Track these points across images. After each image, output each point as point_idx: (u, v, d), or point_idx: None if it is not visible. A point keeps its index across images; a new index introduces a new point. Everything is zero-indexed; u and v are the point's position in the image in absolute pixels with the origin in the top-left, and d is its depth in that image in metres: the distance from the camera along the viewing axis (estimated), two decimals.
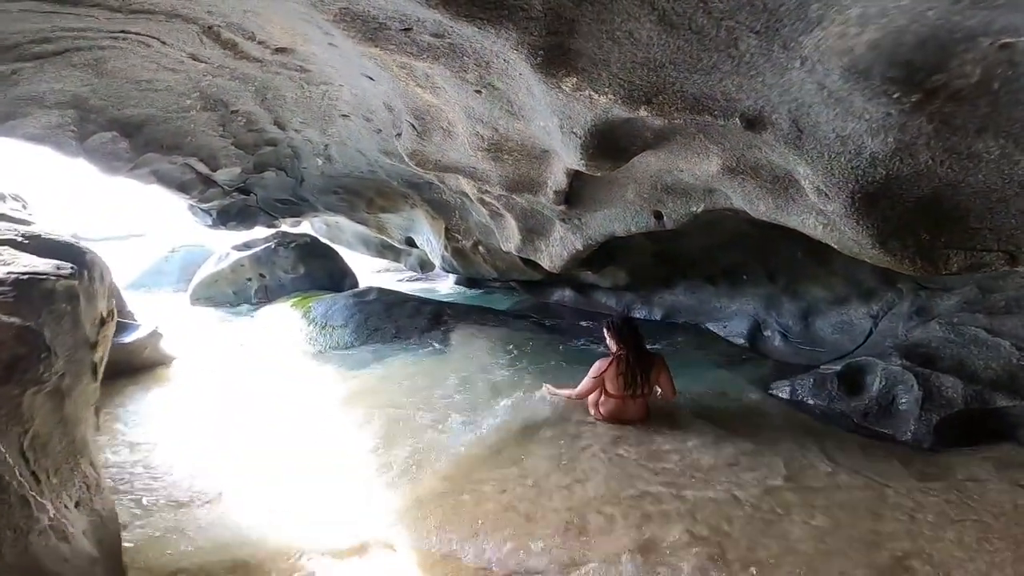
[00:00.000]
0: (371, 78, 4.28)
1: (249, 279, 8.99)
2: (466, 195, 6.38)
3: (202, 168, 6.60)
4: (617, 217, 4.79)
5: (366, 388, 5.21)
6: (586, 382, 4.29)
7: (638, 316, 7.68)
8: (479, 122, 3.81)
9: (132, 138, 5.28)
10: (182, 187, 6.97)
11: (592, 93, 2.71)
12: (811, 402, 4.79)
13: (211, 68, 4.70)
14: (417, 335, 6.71)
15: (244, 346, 6.88)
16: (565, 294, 8.79)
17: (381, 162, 7.05)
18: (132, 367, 5.58)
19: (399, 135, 4.67)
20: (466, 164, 4.63)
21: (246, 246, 9.43)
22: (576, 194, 4.70)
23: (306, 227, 11.40)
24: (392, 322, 6.97)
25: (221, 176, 7.08)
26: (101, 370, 2.82)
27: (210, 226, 8.47)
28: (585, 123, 3.08)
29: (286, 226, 10.75)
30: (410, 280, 12.28)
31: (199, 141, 6.14)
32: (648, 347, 4.51)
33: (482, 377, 5.32)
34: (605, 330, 4.53)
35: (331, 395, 5.07)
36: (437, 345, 6.45)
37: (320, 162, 7.63)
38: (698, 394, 5.09)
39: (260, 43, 4.15)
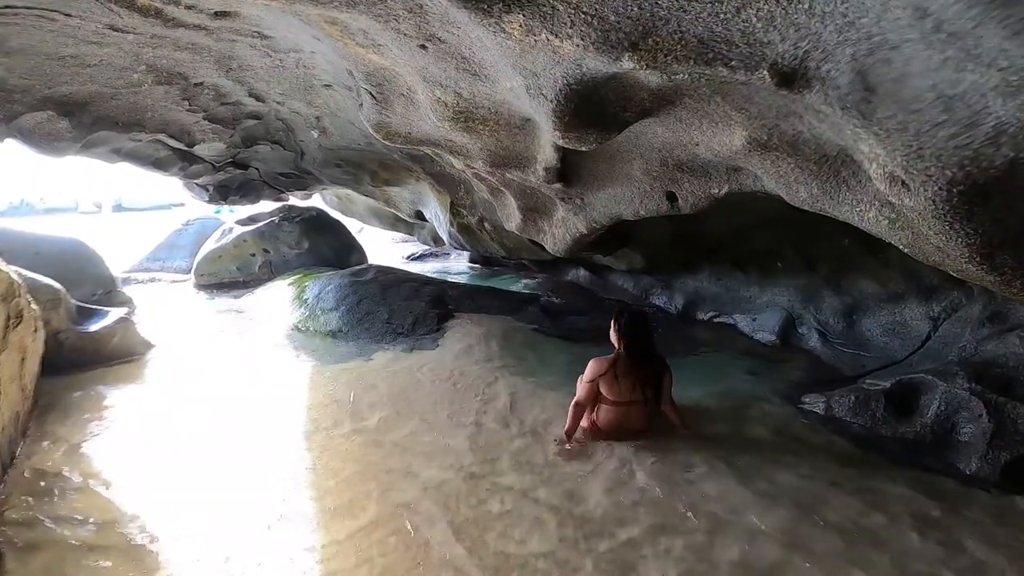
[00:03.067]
0: (318, 39, 3.45)
1: (253, 255, 8.41)
2: (463, 170, 5.54)
3: (175, 144, 5.93)
4: (623, 198, 3.88)
5: (328, 399, 4.47)
6: (581, 389, 3.41)
7: (656, 303, 6.76)
8: (437, 85, 2.94)
9: (74, 116, 4.63)
10: (158, 164, 6.34)
11: (550, 37, 1.82)
12: (849, 421, 3.87)
13: (145, 39, 3.99)
14: (410, 322, 5.97)
15: (227, 332, 6.30)
16: (580, 274, 7.90)
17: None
18: (100, 357, 5.04)
19: (361, 105, 3.84)
20: (439, 136, 3.78)
21: (251, 220, 8.84)
22: (573, 171, 3.80)
23: (317, 200, 10.74)
24: (386, 306, 6.25)
25: (204, 151, 6.42)
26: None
27: (208, 201, 7.88)
28: (555, 82, 2.20)
29: (296, 199, 10.12)
30: (422, 257, 11.56)
31: (163, 116, 5.46)
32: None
33: (465, 394, 4.50)
34: (612, 322, 3.56)
35: (290, 408, 4.35)
36: (428, 337, 5.70)
37: (316, 135, 6.89)
38: (714, 404, 4.22)
39: (190, 8, 3.38)
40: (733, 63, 1.72)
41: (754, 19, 1.56)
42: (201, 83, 5.24)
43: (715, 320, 6.15)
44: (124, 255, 10.87)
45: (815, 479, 3.16)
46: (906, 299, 4.68)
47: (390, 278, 6.91)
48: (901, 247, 2.37)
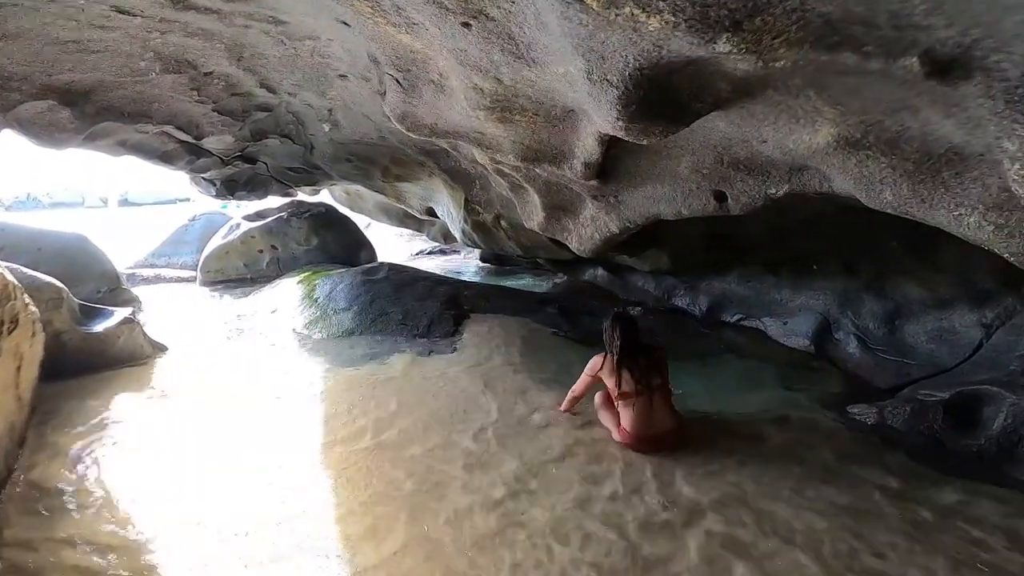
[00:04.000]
0: (346, 23, 3.14)
1: (260, 251, 8.10)
2: (483, 165, 5.23)
3: (183, 136, 5.61)
4: (664, 197, 3.57)
5: (346, 408, 4.16)
6: (582, 381, 3.64)
7: (679, 305, 6.46)
8: (476, 70, 2.63)
9: (76, 106, 4.30)
10: (165, 157, 6.02)
11: (636, 11, 1.51)
12: (903, 433, 3.58)
13: (153, 23, 3.69)
14: (425, 324, 5.67)
15: (236, 333, 6.00)
16: (598, 273, 7.59)
17: (390, 127, 5.95)
18: (106, 359, 4.73)
19: (383, 94, 3.53)
20: (469, 128, 3.47)
21: (259, 216, 8.53)
22: (612, 166, 3.50)
23: (325, 196, 10.43)
24: (400, 306, 5.95)
25: (212, 145, 6.10)
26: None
27: (214, 196, 7.57)
28: (625, 65, 1.89)
29: (303, 195, 9.82)
30: (431, 254, 11.25)
31: (171, 107, 5.14)
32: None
33: (489, 399, 4.21)
34: (604, 329, 3.58)
35: (306, 418, 4.04)
36: (445, 341, 5.40)
37: (327, 128, 6.58)
38: (751, 415, 3.94)
39: None
40: (867, 48, 1.42)
41: (917, 1, 1.26)
42: (211, 72, 4.93)
43: (741, 323, 5.85)
44: (129, 251, 10.59)
45: (893, 497, 2.88)
46: (956, 305, 4.38)
47: (403, 277, 6.61)
48: (1007, 256, 2.08)
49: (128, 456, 3.48)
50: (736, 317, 5.89)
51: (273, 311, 6.50)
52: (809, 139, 2.19)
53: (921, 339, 4.57)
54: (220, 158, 6.55)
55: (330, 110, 6.11)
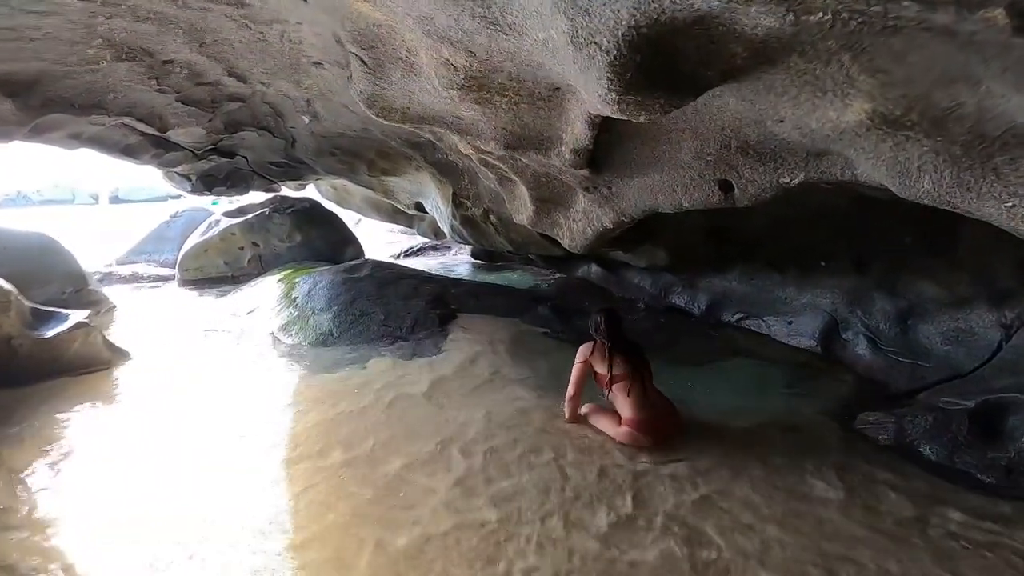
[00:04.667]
0: None
1: (241, 248, 7.71)
2: (469, 156, 4.86)
3: (145, 129, 5.21)
4: (663, 187, 3.20)
5: (317, 419, 3.79)
6: (574, 373, 3.49)
7: (677, 303, 6.10)
8: (445, 43, 2.26)
9: (18, 97, 3.91)
10: (128, 151, 5.61)
11: None
12: (921, 446, 3.24)
13: (96, 6, 3.33)
14: (408, 324, 5.31)
15: (208, 336, 5.62)
16: (591, 270, 7.21)
17: (372, 118, 5.58)
18: (61, 366, 4.35)
19: (350, 77, 3.15)
20: (445, 112, 3.09)
21: (240, 212, 8.13)
22: (605, 154, 3.13)
23: (312, 191, 10.02)
24: (382, 306, 5.58)
25: (180, 138, 5.70)
26: None
27: (190, 192, 7.16)
28: (617, 24, 1.53)
29: (289, 190, 9.41)
30: (422, 251, 10.86)
31: (128, 98, 4.73)
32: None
33: (474, 407, 3.85)
34: (591, 324, 3.60)
35: (273, 430, 3.66)
36: (429, 342, 5.03)
37: (307, 120, 6.18)
38: (751, 423, 3.59)
39: None
40: None
41: None
42: (171, 60, 4.53)
43: (742, 323, 5.50)
44: (112, 248, 10.18)
45: (919, 524, 2.53)
46: (973, 304, 4.03)
47: (387, 275, 6.24)
48: None
49: (77, 472, 3.13)
50: (737, 316, 5.53)
51: (250, 312, 6.12)
52: (836, 117, 1.83)
53: (936, 340, 4.22)
54: (192, 151, 6.14)
55: (308, 101, 5.71)
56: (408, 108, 3.14)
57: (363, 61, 2.87)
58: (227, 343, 5.39)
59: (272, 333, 5.48)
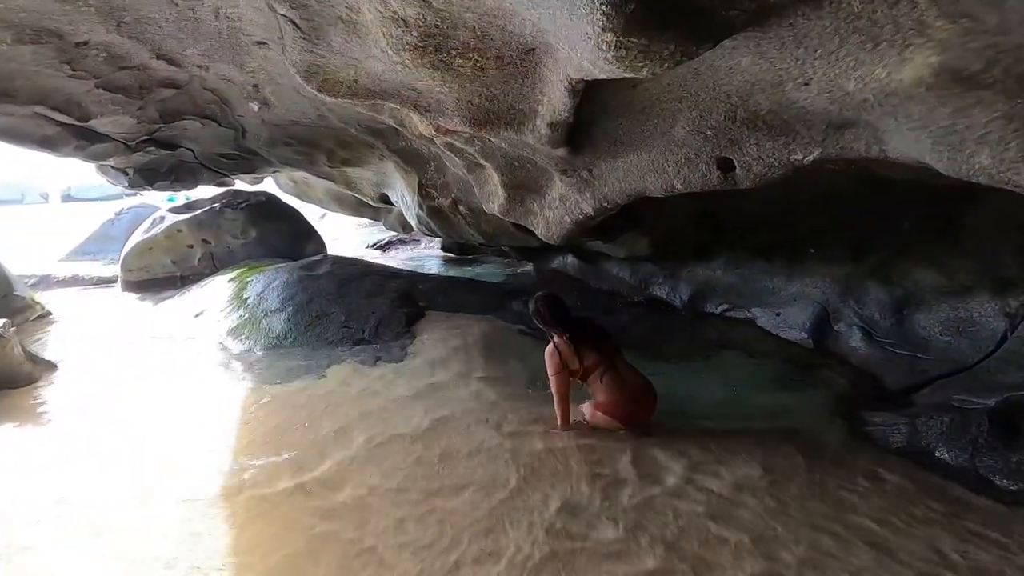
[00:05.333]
0: None
1: (190, 246, 7.05)
2: (433, 141, 4.37)
3: (63, 118, 4.57)
4: (652, 168, 2.78)
5: (265, 438, 3.30)
6: (554, 386, 3.11)
7: (658, 295, 5.74)
8: None
9: None
10: (46, 143, 4.94)
11: None
12: (942, 453, 2.91)
13: None
14: (372, 326, 4.81)
15: (148, 344, 5.03)
16: (567, 261, 6.79)
17: (328, 104, 5.04)
18: None
19: (284, 47, 2.64)
20: (399, 83, 2.60)
21: (188, 207, 7.46)
22: (586, 130, 2.69)
23: (270, 185, 9.36)
24: (343, 305, 5.07)
25: (107, 127, 5.07)
26: None
27: (128, 186, 6.49)
28: None
29: (244, 184, 8.75)
30: (390, 245, 10.32)
31: (38, 84, 4.11)
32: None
33: (445, 419, 3.40)
34: (534, 317, 3.36)
35: (213, 453, 3.15)
36: (395, 345, 4.55)
37: (256, 107, 5.56)
38: (753, 428, 3.23)
39: None
40: None
41: None
42: (85, 42, 3.90)
43: (727, 314, 5.16)
44: (56, 250, 9.38)
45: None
46: (975, 292, 3.74)
47: (349, 271, 5.71)
48: None
49: None
50: (721, 308, 5.19)
51: (198, 315, 5.53)
52: (886, 75, 1.43)
53: (935, 331, 3.93)
54: (124, 143, 5.49)
55: (255, 86, 5.11)
56: (355, 80, 2.65)
57: (295, 23, 2.37)
58: (168, 351, 4.81)
59: (220, 338, 4.92)
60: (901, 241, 3.94)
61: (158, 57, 4.36)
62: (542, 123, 2.44)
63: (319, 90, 2.69)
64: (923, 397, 3.52)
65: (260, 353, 4.58)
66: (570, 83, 2.10)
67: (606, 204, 3.27)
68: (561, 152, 2.72)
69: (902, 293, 4.04)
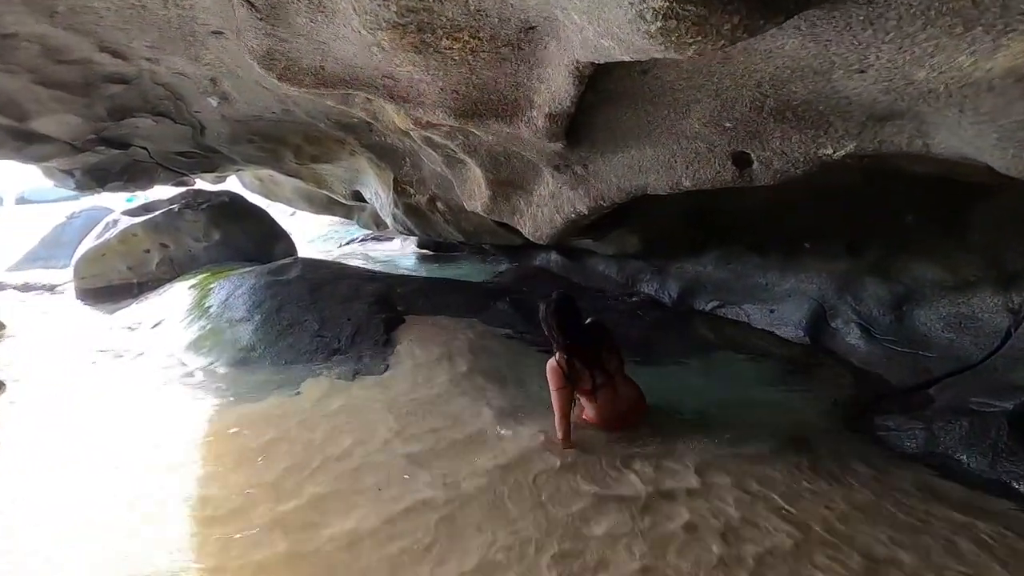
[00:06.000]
0: None
1: (147, 250, 6.52)
2: (410, 135, 4.01)
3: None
4: (658, 163, 2.50)
5: (232, 465, 2.94)
6: (556, 402, 2.83)
7: (646, 291, 5.51)
8: None
9: None
10: None
11: None
12: (962, 458, 2.73)
13: None
14: (348, 334, 4.44)
15: (105, 356, 4.57)
16: (551, 258, 6.51)
17: (294, 97, 4.64)
18: None
19: (239, 30, 2.26)
20: (374, 70, 2.25)
21: (144, 209, 6.91)
22: (585, 121, 2.39)
23: (234, 184, 8.82)
24: (316, 312, 4.68)
25: (49, 128, 4.57)
26: None
27: (75, 188, 5.94)
28: None
29: (206, 183, 8.21)
30: (364, 242, 9.89)
31: None
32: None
33: (436, 441, 3.08)
34: (541, 319, 3.01)
35: (175, 484, 2.79)
36: (374, 355, 4.20)
37: (214, 103, 5.09)
38: (756, 437, 2.98)
39: None
40: None
41: None
42: (13, 34, 3.45)
43: (718, 312, 4.94)
44: (7, 256, 8.68)
45: None
46: (977, 288, 3.58)
47: (322, 274, 5.31)
48: None
49: None
50: (712, 304, 4.97)
51: (155, 326, 5.07)
52: (972, 63, 1.19)
53: (936, 327, 3.76)
54: (70, 144, 4.99)
55: (213, 79, 4.66)
56: (322, 68, 2.29)
57: (250, 2, 2.00)
58: (121, 367, 4.36)
59: (180, 351, 4.49)
60: (901, 235, 3.76)
61: (101, 50, 3.93)
62: (539, 114, 2.13)
63: (281, 79, 2.33)
64: (937, 399, 3.35)
65: (225, 368, 4.17)
66: (577, 67, 1.79)
67: (602, 202, 2.99)
68: (557, 146, 2.42)
69: (902, 289, 3.87)
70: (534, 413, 3.28)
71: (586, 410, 3.01)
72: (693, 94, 1.98)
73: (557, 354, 2.86)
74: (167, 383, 4.00)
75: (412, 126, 3.16)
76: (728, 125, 2.02)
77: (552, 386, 2.83)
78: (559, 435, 2.84)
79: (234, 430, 3.31)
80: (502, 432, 3.06)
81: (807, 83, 1.65)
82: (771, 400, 3.58)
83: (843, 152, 1.89)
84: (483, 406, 3.38)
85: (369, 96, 2.46)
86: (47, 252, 8.27)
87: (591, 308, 5.27)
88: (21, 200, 28.20)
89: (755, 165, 2.14)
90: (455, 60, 2.00)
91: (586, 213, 3.16)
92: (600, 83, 2.08)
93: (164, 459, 3.02)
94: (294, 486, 2.75)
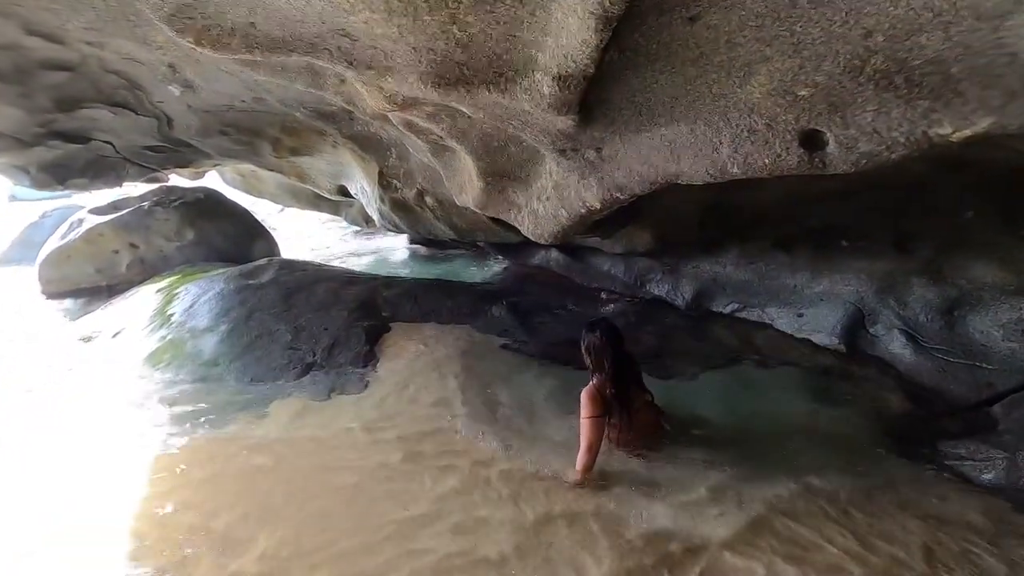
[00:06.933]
0: None
1: (116, 251, 5.91)
2: (387, 118, 3.42)
3: None
4: (696, 143, 1.90)
5: (183, 503, 2.41)
6: (589, 430, 2.46)
7: (656, 293, 4.94)
8: None
9: None
10: None
11: None
12: None
13: None
14: (325, 346, 3.87)
15: (59, 369, 3.99)
16: (551, 256, 5.91)
17: (266, 84, 4.05)
18: None
19: None
20: (321, 24, 1.66)
21: (112, 208, 6.28)
22: (602, 91, 1.80)
23: (215, 180, 8.18)
24: (290, 321, 4.10)
25: None
26: None
27: (30, 186, 5.32)
28: None
29: (184, 179, 7.59)
30: (354, 237, 9.29)
31: None
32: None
33: (423, 481, 2.54)
34: (587, 343, 2.66)
35: (116, 529, 2.28)
36: (354, 371, 3.63)
37: (177, 91, 4.48)
38: (785, 461, 2.49)
39: None
40: None
41: None
42: None
43: (738, 315, 4.39)
44: None
45: None
46: None
47: (298, 277, 4.72)
48: None
49: None
50: (731, 307, 4.41)
51: (116, 335, 4.49)
52: None
53: (995, 335, 3.21)
54: (15, 138, 4.38)
55: (171, 65, 4.06)
56: (252, 26, 1.70)
57: None
58: (69, 384, 3.78)
59: (138, 364, 3.90)
60: (958, 232, 3.19)
61: (30, 33, 3.39)
62: (545, 77, 1.55)
63: (200, 44, 1.74)
64: (1002, 419, 2.81)
65: (185, 385, 3.59)
66: (601, 6, 1.21)
67: (618, 195, 2.41)
68: (567, 123, 1.83)
69: (956, 292, 3.31)
70: (538, 442, 2.76)
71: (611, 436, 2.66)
72: (760, 50, 1.40)
73: (595, 380, 2.59)
74: (118, 404, 3.42)
75: (387, 106, 2.57)
76: (803, 93, 1.45)
77: (587, 413, 2.48)
78: (580, 465, 2.44)
79: (182, 467, 2.74)
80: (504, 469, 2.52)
81: (952, 32, 1.08)
82: (809, 417, 3.05)
83: (968, 132, 1.32)
84: (478, 439, 2.83)
85: (323, 64, 1.87)
86: (20, 253, 7.65)
87: (591, 310, 4.78)
88: (12, 198, 27.45)
89: (831, 147, 1.57)
90: (428, 3, 1.42)
91: (598, 208, 2.58)
92: (627, 37, 1.51)
93: (94, 500, 2.47)
94: (247, 538, 2.21)
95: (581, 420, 2.47)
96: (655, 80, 1.70)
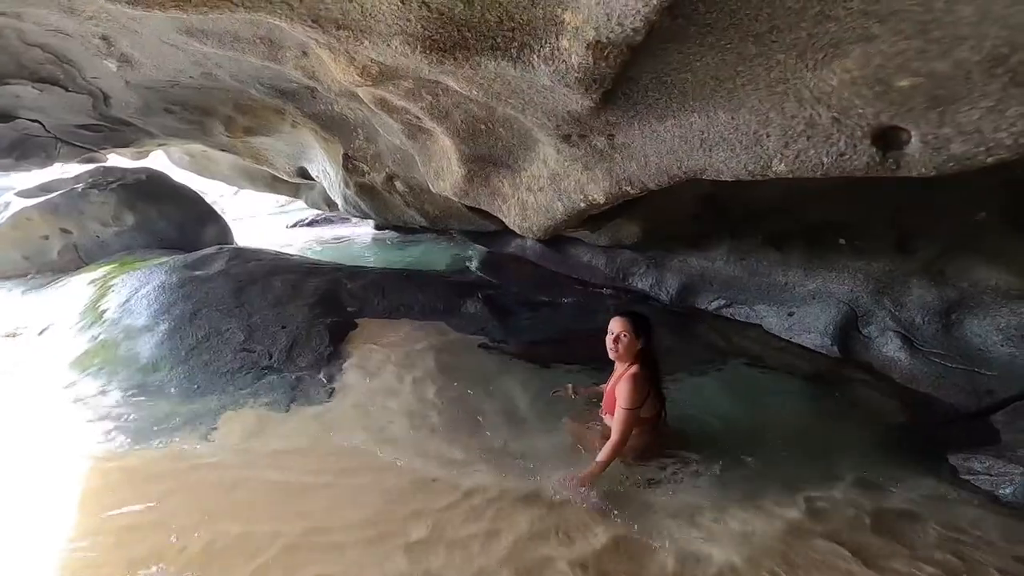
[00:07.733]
0: None
1: (45, 237, 5.19)
2: (357, 96, 2.96)
3: None
4: (735, 136, 1.56)
5: (110, 546, 1.98)
6: (627, 422, 2.23)
7: (639, 287, 4.67)
8: None
9: None
10: None
11: None
12: None
13: None
14: (283, 347, 3.41)
15: None
16: (527, 245, 5.56)
17: (212, 56, 3.50)
18: None
19: None
20: None
21: (42, 190, 5.53)
22: (633, 68, 1.44)
23: (161, 160, 7.40)
24: (242, 318, 3.61)
25: None
26: None
27: None
28: None
29: (125, 159, 6.81)
30: (313, 223, 8.69)
31: None
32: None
33: (395, 509, 2.18)
34: (621, 329, 2.33)
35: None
36: (316, 375, 3.21)
37: (114, 66, 3.86)
38: (806, 488, 2.26)
39: None
40: None
41: None
42: None
43: (724, 312, 4.17)
44: None
45: None
46: None
47: (252, 268, 4.20)
48: None
49: None
50: (717, 303, 4.19)
51: (42, 332, 3.89)
52: None
53: (994, 340, 3.07)
54: None
55: (104, 38, 3.48)
56: None
57: None
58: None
59: (64, 369, 3.36)
60: (964, 233, 3.01)
61: None
62: (574, 44, 1.18)
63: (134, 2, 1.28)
64: (1003, 429, 2.67)
65: (118, 396, 3.08)
66: None
67: (628, 188, 2.07)
68: (586, 103, 1.47)
69: (956, 294, 3.14)
70: (528, 455, 2.45)
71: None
72: (864, 27, 1.06)
73: (636, 368, 2.32)
74: (43, 412, 2.90)
75: (359, 79, 2.13)
76: (903, 84, 1.13)
77: (630, 403, 2.24)
78: (604, 457, 2.21)
79: (113, 493, 2.29)
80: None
81: None
82: (806, 426, 2.85)
83: None
84: (453, 448, 2.48)
85: (273, 19, 1.44)
86: None
87: (569, 303, 4.49)
88: None
89: (912, 147, 1.28)
90: None
91: (601, 202, 2.23)
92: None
93: (17, 529, 2.01)
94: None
95: (619, 409, 2.23)
96: (700, 57, 1.35)
